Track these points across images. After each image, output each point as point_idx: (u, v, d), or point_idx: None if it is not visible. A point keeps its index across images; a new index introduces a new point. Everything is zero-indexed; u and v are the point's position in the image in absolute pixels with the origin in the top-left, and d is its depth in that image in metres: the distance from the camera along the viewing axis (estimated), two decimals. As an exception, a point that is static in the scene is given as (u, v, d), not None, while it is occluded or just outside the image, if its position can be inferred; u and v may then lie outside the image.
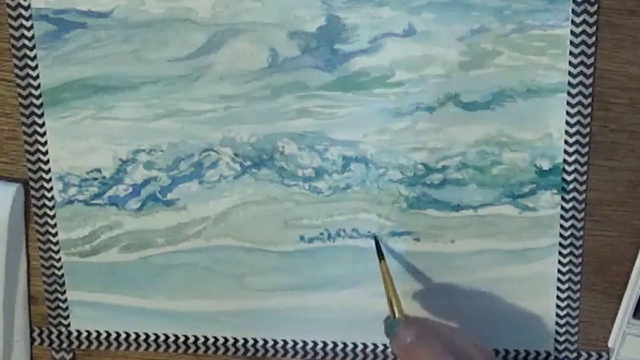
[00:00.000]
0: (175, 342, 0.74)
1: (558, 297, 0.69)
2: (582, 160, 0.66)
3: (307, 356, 0.73)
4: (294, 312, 0.72)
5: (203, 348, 0.74)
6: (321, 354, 0.73)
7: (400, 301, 0.66)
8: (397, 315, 0.66)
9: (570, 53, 0.64)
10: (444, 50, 0.65)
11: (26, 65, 0.68)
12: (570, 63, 0.64)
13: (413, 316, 0.68)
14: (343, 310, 0.71)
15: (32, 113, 0.69)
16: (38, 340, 0.75)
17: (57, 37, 0.67)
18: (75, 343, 0.75)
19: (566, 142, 0.66)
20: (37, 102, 0.69)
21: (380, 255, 0.68)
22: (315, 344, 0.73)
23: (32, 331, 0.75)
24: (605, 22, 0.63)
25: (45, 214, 0.72)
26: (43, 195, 0.71)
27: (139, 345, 0.74)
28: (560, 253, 0.68)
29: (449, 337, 0.64)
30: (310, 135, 0.68)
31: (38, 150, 0.70)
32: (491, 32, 0.64)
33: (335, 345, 0.72)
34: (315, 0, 0.65)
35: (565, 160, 0.66)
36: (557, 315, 0.70)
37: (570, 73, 0.64)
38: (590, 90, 0.65)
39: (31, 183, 0.71)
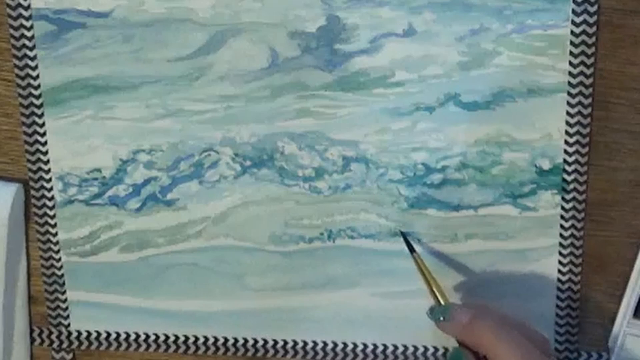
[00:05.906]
0: (175, 342, 0.74)
1: (558, 297, 0.69)
2: (582, 160, 0.66)
3: (307, 356, 0.73)
4: (294, 312, 0.72)
5: (203, 348, 0.74)
6: (321, 354, 0.73)
7: (442, 289, 0.66)
8: (442, 302, 0.65)
9: (570, 53, 0.64)
10: (444, 50, 0.65)
11: (26, 65, 0.68)
12: (570, 63, 0.64)
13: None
14: (343, 310, 0.71)
15: (32, 113, 0.69)
16: (38, 340, 0.75)
17: (57, 37, 0.67)
18: (75, 343, 0.75)
19: (566, 142, 0.66)
20: (37, 102, 0.69)
21: (411, 248, 0.68)
22: (315, 344, 0.73)
23: (32, 331, 0.75)
24: (605, 22, 0.63)
25: (45, 214, 0.72)
26: (43, 195, 0.71)
27: (139, 345, 0.74)
28: (560, 253, 0.68)
29: (502, 314, 0.64)
30: (310, 135, 0.68)
31: (38, 150, 0.70)
32: (491, 32, 0.64)
33: (335, 345, 0.72)
34: (315, 0, 0.65)
35: (565, 160, 0.66)
36: (557, 315, 0.70)
37: (570, 73, 0.64)
38: (590, 90, 0.65)
39: (31, 183, 0.71)
